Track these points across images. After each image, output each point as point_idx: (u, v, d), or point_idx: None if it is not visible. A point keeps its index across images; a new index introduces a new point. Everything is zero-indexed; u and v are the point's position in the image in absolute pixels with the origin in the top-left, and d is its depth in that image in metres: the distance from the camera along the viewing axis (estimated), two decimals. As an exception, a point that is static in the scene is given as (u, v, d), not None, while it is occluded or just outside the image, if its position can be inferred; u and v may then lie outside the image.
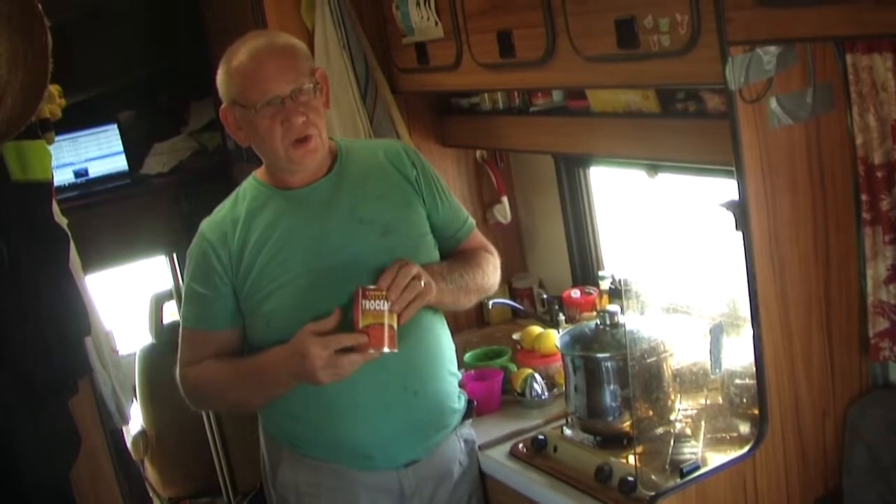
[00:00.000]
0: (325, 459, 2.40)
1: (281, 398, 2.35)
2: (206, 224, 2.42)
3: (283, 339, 2.26)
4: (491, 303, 3.32)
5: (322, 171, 2.39)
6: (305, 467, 2.42)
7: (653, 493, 2.12)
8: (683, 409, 2.40)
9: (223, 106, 2.34)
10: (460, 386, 2.56)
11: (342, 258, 2.31)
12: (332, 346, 2.15)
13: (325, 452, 2.39)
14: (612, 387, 2.40)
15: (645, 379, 2.34)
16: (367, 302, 2.18)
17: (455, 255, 2.53)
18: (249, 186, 2.43)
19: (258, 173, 2.44)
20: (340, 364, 2.16)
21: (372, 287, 2.20)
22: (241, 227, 2.35)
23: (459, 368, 2.99)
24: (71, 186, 4.17)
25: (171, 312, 4.69)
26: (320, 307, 2.24)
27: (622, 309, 2.48)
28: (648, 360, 2.34)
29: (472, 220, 2.59)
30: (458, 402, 2.52)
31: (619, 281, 2.97)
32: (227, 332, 2.39)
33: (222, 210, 2.42)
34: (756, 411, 2.23)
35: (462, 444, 2.53)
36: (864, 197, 2.18)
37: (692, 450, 2.29)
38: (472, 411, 2.57)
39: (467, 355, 3.09)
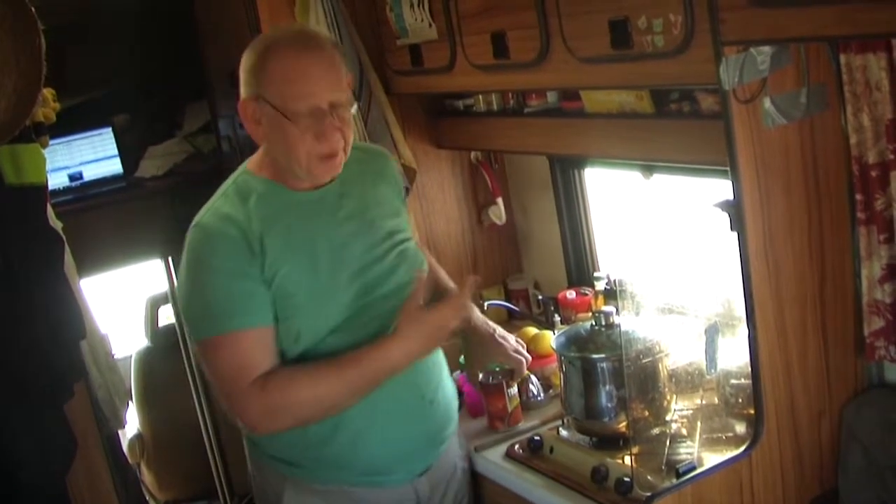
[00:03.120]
0: (336, 484, 2.29)
1: (295, 429, 2.20)
2: (211, 219, 2.19)
3: (306, 351, 2.18)
4: (486, 304, 3.31)
5: None
6: (313, 495, 2.31)
7: (649, 494, 2.12)
8: (679, 409, 2.40)
9: (245, 97, 2.17)
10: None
11: (361, 264, 2.25)
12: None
13: (337, 476, 2.28)
14: (607, 387, 2.39)
15: (640, 379, 2.34)
16: None
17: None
18: (251, 183, 2.24)
19: (254, 167, 2.28)
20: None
21: None
22: (257, 226, 2.16)
23: (455, 371, 3.01)
24: (65, 190, 4.17)
25: (167, 316, 4.70)
26: (344, 313, 2.21)
27: (617, 310, 2.48)
28: (644, 361, 2.33)
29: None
30: (456, 398, 2.51)
31: (615, 282, 2.98)
32: (274, 327, 2.15)
33: (226, 205, 2.20)
34: (752, 411, 2.23)
35: (457, 437, 2.53)
36: (858, 196, 2.19)
37: (688, 450, 2.29)
38: (461, 402, 2.58)
39: (463, 357, 3.09)
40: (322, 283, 2.20)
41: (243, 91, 2.18)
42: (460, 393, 2.63)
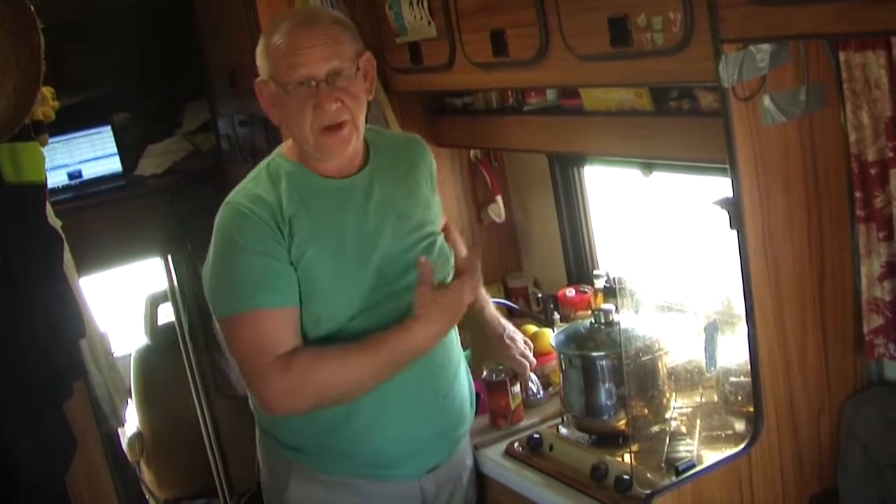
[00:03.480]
0: (342, 475, 2.30)
1: (306, 414, 2.21)
2: (242, 198, 2.19)
3: (328, 336, 2.19)
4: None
5: (356, 162, 2.30)
6: (318, 485, 2.32)
7: (648, 492, 2.12)
8: (679, 407, 2.40)
9: (259, 79, 2.22)
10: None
11: (387, 254, 2.26)
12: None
13: (342, 466, 2.29)
14: (607, 385, 2.40)
15: (640, 377, 2.34)
16: None
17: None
18: (284, 166, 2.25)
19: (287, 150, 2.29)
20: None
21: None
22: (287, 208, 2.17)
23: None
24: (65, 188, 4.17)
25: (166, 314, 4.70)
26: (364, 302, 2.22)
27: (617, 307, 2.48)
28: (643, 359, 2.34)
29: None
30: (472, 398, 2.50)
31: (614, 279, 2.98)
32: (299, 309, 2.16)
33: (258, 186, 2.21)
34: (751, 409, 2.23)
35: (470, 442, 2.54)
36: (857, 194, 2.18)
37: (687, 448, 2.29)
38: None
39: (462, 354, 3.09)
40: (347, 269, 2.21)
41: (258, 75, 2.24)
42: (477, 394, 2.62)
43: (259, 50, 2.21)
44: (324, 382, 2.14)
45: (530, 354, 2.64)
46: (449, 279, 2.31)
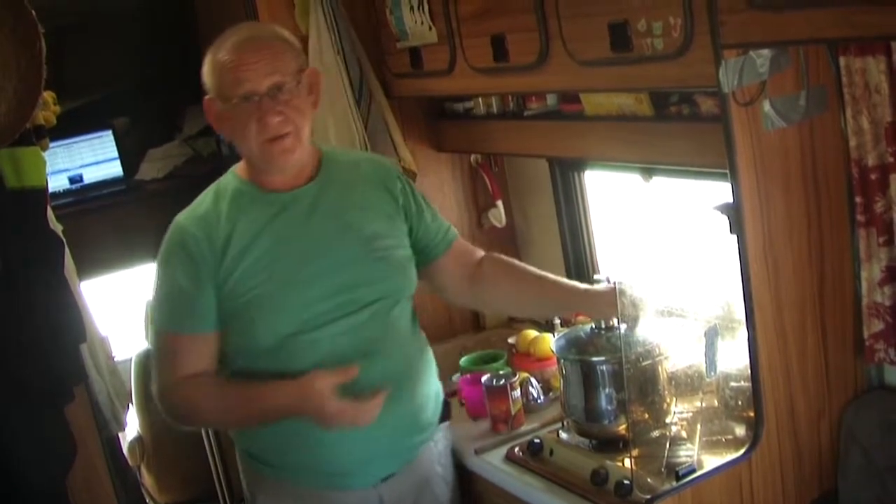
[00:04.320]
0: (305, 486, 2.34)
1: (267, 429, 2.30)
2: (185, 218, 2.32)
3: (265, 347, 2.25)
4: (486, 307, 3.32)
5: (305, 175, 2.33)
6: (285, 494, 2.37)
7: (649, 496, 2.13)
8: (679, 412, 2.40)
9: (207, 97, 2.30)
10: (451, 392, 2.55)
11: (329, 264, 2.28)
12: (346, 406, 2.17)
13: (305, 477, 2.33)
14: (607, 390, 2.39)
15: (640, 382, 2.34)
16: None
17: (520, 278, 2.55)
18: (231, 184, 2.34)
19: (239, 169, 2.37)
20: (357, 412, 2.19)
21: None
22: (225, 225, 2.27)
23: (455, 373, 2.99)
24: (66, 193, 4.17)
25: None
26: (301, 314, 2.24)
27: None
28: (644, 364, 2.33)
29: (454, 228, 2.59)
30: (436, 407, 2.48)
31: (615, 284, 2.97)
32: (214, 334, 2.28)
33: (203, 205, 2.33)
34: (751, 414, 2.23)
35: (439, 447, 2.51)
36: (858, 199, 2.19)
37: (688, 453, 2.29)
38: (448, 413, 2.55)
39: (463, 360, 3.09)
40: (282, 279, 2.25)
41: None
42: (448, 397, 2.59)
43: (205, 68, 2.28)
44: (202, 415, 2.35)
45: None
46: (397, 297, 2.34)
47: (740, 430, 2.32)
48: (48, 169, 2.68)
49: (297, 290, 2.26)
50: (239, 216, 2.28)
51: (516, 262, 2.62)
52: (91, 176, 4.23)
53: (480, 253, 2.62)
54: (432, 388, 2.47)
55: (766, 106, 2.06)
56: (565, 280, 2.58)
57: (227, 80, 2.20)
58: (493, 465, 2.56)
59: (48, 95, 2.69)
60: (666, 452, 2.29)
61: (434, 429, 2.48)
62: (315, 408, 2.15)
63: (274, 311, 2.25)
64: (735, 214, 2.07)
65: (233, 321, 2.28)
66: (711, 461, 2.23)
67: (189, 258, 2.26)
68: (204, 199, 2.35)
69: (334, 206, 2.33)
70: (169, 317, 2.30)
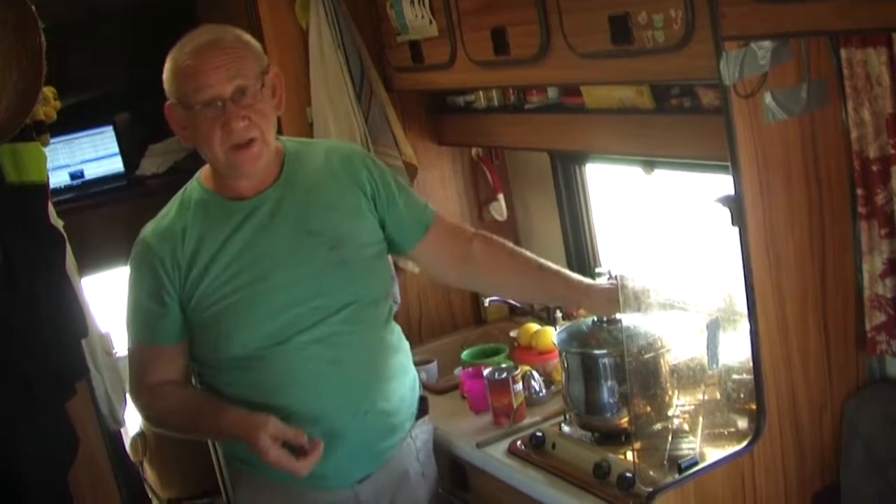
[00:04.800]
0: (280, 482, 2.32)
1: None
2: (150, 233, 2.31)
3: (232, 357, 2.26)
4: (488, 300, 3.32)
5: (269, 178, 2.30)
6: (262, 488, 2.37)
7: (651, 489, 2.12)
8: (681, 404, 2.40)
9: (168, 103, 2.26)
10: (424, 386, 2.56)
11: (294, 274, 2.25)
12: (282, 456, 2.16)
13: (282, 477, 2.27)
14: (609, 383, 2.40)
15: (642, 375, 2.34)
16: None
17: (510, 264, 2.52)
18: (195, 193, 2.33)
19: (203, 177, 2.35)
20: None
21: None
22: (189, 238, 2.26)
23: (457, 367, 2.99)
24: (67, 188, 4.16)
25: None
26: (269, 325, 2.23)
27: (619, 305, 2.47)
28: (646, 357, 2.33)
29: (431, 207, 2.54)
30: (411, 405, 2.46)
31: (616, 277, 2.97)
32: (178, 345, 2.32)
33: (167, 217, 2.32)
34: (753, 406, 2.23)
35: (417, 444, 2.50)
36: (859, 191, 2.19)
37: (690, 445, 2.29)
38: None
39: (465, 353, 3.10)
40: (248, 292, 2.24)
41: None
42: (450, 391, 2.60)
43: (165, 74, 2.25)
44: (165, 423, 2.39)
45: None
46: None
47: (742, 423, 2.32)
48: (49, 164, 2.68)
49: (263, 301, 2.24)
50: (203, 229, 2.27)
51: (511, 246, 2.56)
52: (92, 171, 4.22)
53: (469, 230, 2.58)
54: (406, 386, 2.44)
55: (768, 98, 2.06)
56: (565, 272, 2.55)
57: (189, 85, 2.17)
58: (495, 458, 2.56)
59: (49, 91, 2.69)
60: (668, 445, 2.29)
61: (410, 426, 2.47)
62: (257, 449, 2.15)
63: (241, 322, 2.24)
64: (736, 207, 2.07)
65: (202, 332, 2.29)
66: (713, 454, 2.23)
67: (153, 275, 2.27)
68: (169, 209, 2.35)
69: (298, 210, 2.30)
70: (134, 329, 2.34)
